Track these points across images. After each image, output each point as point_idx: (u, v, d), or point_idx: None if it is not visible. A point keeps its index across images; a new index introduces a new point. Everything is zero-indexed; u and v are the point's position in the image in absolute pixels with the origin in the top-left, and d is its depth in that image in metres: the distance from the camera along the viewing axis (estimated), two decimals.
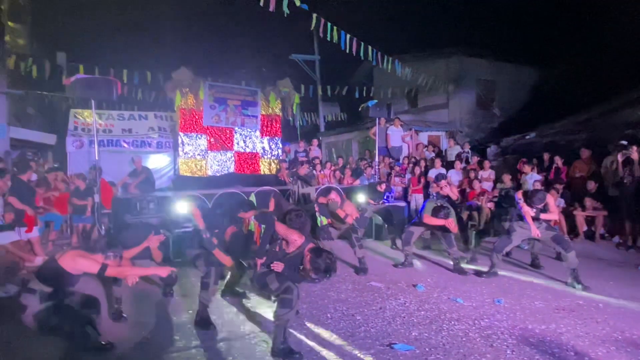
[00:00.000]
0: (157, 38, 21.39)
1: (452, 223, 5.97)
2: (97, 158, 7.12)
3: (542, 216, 5.51)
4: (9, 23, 14.16)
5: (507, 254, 6.69)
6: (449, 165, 10.55)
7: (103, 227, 7.12)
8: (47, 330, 3.21)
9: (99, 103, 8.53)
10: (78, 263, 3.31)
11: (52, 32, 16.79)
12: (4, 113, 11.31)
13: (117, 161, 10.23)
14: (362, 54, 10.19)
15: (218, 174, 10.71)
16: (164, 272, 3.88)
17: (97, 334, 3.40)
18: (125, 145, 10.82)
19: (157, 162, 11.05)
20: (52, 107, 15.21)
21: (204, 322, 4.09)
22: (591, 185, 8.41)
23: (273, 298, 4.43)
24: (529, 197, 5.49)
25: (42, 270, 3.36)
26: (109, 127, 11.07)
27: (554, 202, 5.80)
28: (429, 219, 6.08)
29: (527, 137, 13.07)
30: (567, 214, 8.31)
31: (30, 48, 14.97)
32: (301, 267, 3.68)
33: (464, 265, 6.27)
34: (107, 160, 9.43)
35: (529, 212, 5.50)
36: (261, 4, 7.84)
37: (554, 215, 5.65)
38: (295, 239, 3.79)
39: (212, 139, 10.80)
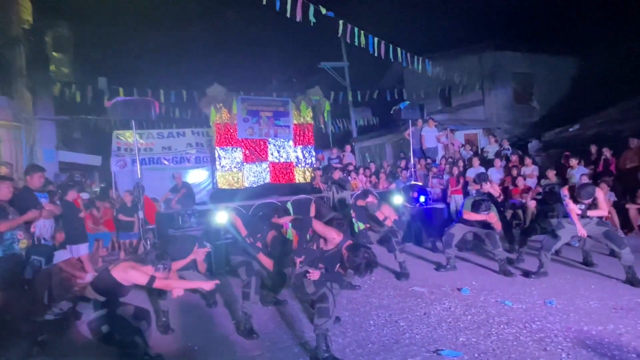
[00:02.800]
0: (190, 57, 22.17)
1: (493, 217, 5.76)
2: (139, 176, 7.41)
3: (590, 213, 5.20)
4: (54, 53, 15.10)
5: (557, 253, 6.37)
6: (487, 164, 10.23)
7: (148, 242, 7.38)
8: (99, 339, 3.34)
9: (139, 123, 8.87)
10: (128, 274, 3.43)
11: (93, 58, 17.71)
12: (52, 138, 12.03)
13: (159, 178, 10.60)
14: (391, 56, 10.11)
15: (254, 185, 10.88)
16: (208, 285, 3.94)
17: (146, 346, 3.50)
18: (166, 162, 11.19)
19: (196, 176, 11.36)
20: (96, 130, 16.00)
21: (247, 332, 4.13)
22: None
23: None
24: (575, 192, 5.19)
25: (96, 281, 3.53)
26: (150, 145, 11.51)
27: (604, 197, 5.47)
28: (469, 215, 5.90)
29: (571, 129, 12.52)
30: (619, 208, 7.86)
31: (74, 75, 15.84)
32: (338, 265, 3.66)
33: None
34: (149, 177, 9.78)
35: (574, 209, 5.21)
36: (288, 15, 7.97)
37: (603, 211, 5.28)
38: (334, 237, 3.78)
39: (247, 151, 10.98)
